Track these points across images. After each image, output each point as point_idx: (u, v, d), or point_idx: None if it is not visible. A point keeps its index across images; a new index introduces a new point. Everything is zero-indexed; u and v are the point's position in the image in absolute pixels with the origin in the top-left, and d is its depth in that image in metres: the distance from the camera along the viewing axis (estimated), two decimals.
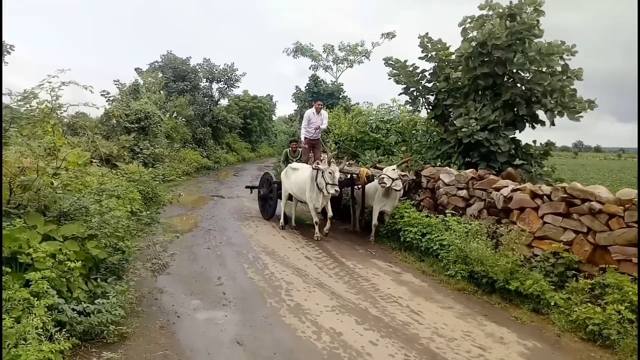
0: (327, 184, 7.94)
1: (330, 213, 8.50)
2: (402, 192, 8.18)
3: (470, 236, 6.31)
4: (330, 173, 7.96)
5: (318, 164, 8.24)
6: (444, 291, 5.92)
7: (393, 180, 7.78)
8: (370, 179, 8.42)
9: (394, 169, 7.94)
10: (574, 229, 5.52)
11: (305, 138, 10.09)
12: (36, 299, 3.63)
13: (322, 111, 10.14)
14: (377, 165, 9.13)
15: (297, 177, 8.98)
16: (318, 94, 28.20)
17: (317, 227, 8.52)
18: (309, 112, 10.10)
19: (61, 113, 5.26)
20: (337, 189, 8.04)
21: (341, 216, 10.10)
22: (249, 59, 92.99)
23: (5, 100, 5.04)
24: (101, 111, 16.92)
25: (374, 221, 8.40)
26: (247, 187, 12.02)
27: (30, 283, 3.76)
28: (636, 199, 4.92)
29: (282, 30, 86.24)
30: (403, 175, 8.01)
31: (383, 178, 7.76)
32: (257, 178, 13.76)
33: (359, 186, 8.79)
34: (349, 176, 8.94)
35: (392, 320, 4.90)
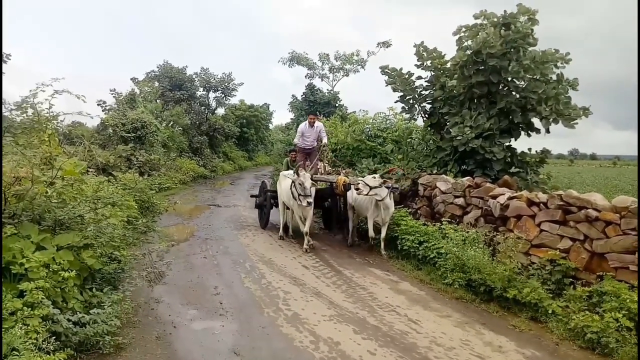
0: (299, 195, 7.71)
1: (306, 228, 8.13)
2: (392, 204, 7.86)
3: (467, 244, 6.30)
4: (300, 184, 7.63)
5: (298, 173, 7.88)
6: (442, 299, 5.90)
7: (371, 188, 7.30)
8: (347, 187, 8.15)
9: (374, 177, 7.60)
10: (570, 236, 5.53)
11: (298, 147, 10.10)
12: (30, 309, 3.59)
13: (317, 123, 10.06)
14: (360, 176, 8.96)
15: (284, 185, 8.88)
16: (314, 103, 28.33)
17: (306, 237, 8.26)
18: (303, 126, 10.10)
19: (57, 123, 5.26)
20: (310, 200, 7.70)
21: (338, 226, 10.06)
22: (246, 67, 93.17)
23: None
24: (97, 120, 17.02)
25: (370, 233, 8.04)
26: (252, 196, 11.71)
27: (24, 293, 3.72)
28: (632, 207, 4.93)
29: (279, 36, 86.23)
30: (384, 182, 7.56)
31: (358, 184, 7.38)
32: (254, 187, 13.71)
33: (339, 195, 8.59)
34: (329, 184, 8.71)
35: (390, 330, 4.87)
